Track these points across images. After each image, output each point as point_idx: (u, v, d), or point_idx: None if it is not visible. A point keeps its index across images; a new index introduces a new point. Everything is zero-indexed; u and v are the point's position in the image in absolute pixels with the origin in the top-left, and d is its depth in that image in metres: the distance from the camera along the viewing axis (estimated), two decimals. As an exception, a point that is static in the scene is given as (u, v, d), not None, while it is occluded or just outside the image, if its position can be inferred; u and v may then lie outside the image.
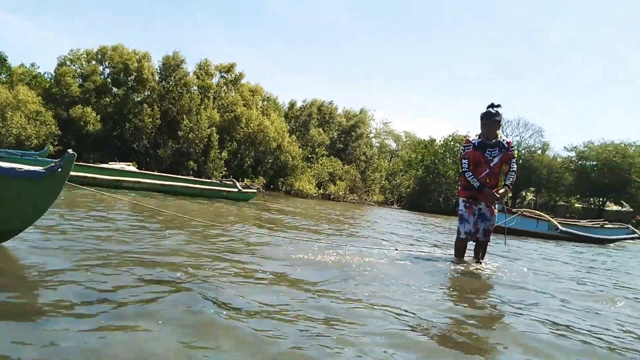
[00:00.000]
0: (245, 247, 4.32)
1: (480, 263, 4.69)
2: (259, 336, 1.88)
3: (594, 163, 40.97)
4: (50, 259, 2.84)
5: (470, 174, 4.59)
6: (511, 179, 4.63)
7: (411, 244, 6.43)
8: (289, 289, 2.77)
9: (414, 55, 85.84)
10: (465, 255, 4.82)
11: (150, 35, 65.71)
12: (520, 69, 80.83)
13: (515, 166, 4.68)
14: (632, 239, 14.44)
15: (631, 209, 40.91)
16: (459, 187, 4.85)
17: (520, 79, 79.42)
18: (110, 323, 1.84)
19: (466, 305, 2.91)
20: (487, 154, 4.57)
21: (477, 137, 4.70)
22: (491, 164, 4.57)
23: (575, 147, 42.72)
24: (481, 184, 4.55)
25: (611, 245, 13.18)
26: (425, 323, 2.37)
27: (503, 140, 4.65)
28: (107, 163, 13.96)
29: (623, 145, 40.62)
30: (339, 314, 2.33)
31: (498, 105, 4.59)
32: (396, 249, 5.12)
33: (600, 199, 42.08)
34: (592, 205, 42.25)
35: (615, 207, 42.43)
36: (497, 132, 4.64)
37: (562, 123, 74.51)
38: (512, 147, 4.68)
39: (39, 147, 18.47)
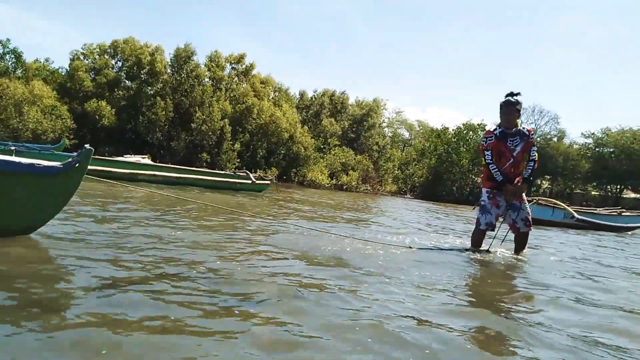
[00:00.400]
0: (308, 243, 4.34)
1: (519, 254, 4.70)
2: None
3: (612, 150, 40.26)
4: (71, 250, 2.89)
5: (495, 166, 4.54)
6: (530, 171, 4.57)
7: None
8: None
9: (425, 44, 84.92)
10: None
11: (161, 28, 66.13)
12: (534, 54, 79.43)
13: (535, 154, 4.62)
14: (651, 227, 14.18)
15: (650, 196, 40.21)
16: (482, 177, 4.80)
17: (535, 65, 78.08)
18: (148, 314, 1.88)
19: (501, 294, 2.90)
20: (510, 143, 4.52)
21: (498, 126, 4.64)
22: (514, 154, 4.52)
23: (592, 134, 42.00)
24: (504, 178, 4.51)
25: (629, 233, 12.96)
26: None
27: (524, 128, 4.59)
28: (122, 156, 14.12)
29: (642, 131, 39.83)
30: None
31: (517, 94, 4.52)
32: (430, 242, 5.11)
33: (618, 187, 41.40)
34: (610, 193, 41.58)
35: (633, 195, 41.68)
36: (517, 120, 4.56)
37: (578, 110, 73.23)
38: (532, 134, 4.63)
39: (55, 140, 18.73)
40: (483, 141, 4.64)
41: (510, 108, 4.49)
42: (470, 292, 3.09)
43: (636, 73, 73.55)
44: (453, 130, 32.36)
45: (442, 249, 4.78)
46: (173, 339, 1.71)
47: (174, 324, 1.83)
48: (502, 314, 2.51)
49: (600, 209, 15.87)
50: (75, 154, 3.10)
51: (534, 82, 74.58)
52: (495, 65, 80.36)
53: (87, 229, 3.67)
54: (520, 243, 4.78)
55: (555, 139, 44.85)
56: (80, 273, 2.43)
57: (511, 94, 4.52)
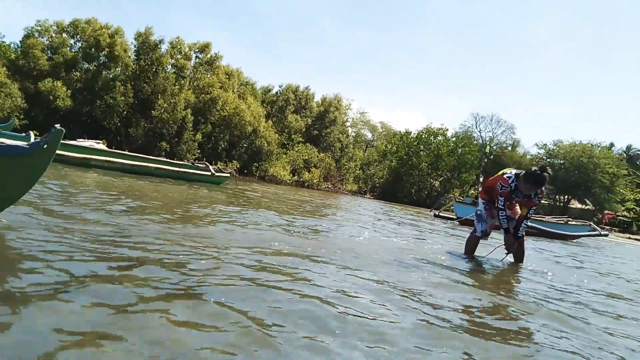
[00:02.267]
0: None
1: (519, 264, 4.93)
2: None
3: (562, 162, 42.27)
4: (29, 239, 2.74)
5: (504, 214, 4.68)
6: (522, 232, 4.76)
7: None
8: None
9: (393, 47, 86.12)
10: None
11: (127, 14, 63.49)
12: (496, 66, 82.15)
13: (532, 212, 4.77)
14: (593, 236, 15.00)
15: (593, 208, 42.51)
16: (480, 189, 4.97)
17: (496, 76, 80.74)
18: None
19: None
20: (518, 198, 4.66)
21: (513, 175, 4.61)
22: (513, 201, 4.76)
23: (545, 145, 43.96)
24: (507, 228, 4.71)
25: (574, 241, 13.64)
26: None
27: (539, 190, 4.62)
28: (75, 140, 13.53)
29: (590, 145, 42.03)
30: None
31: (546, 169, 4.44)
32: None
33: (566, 197, 43.50)
34: (558, 203, 43.64)
35: (579, 205, 43.96)
36: None
37: (535, 121, 76.32)
38: (540, 196, 4.64)
39: (3, 120, 17.71)
40: (499, 187, 4.66)
41: (537, 187, 4.46)
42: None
43: (591, 88, 77.48)
44: (415, 134, 33.03)
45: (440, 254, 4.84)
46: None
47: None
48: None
49: (549, 217, 16.65)
50: (44, 135, 2.85)
51: (494, 92, 77.12)
52: (458, 72, 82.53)
53: (35, 215, 3.48)
54: (518, 253, 4.97)
55: (509, 148, 46.62)
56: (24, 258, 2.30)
57: (543, 169, 4.40)
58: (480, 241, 5.07)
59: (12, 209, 3.28)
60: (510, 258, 5.03)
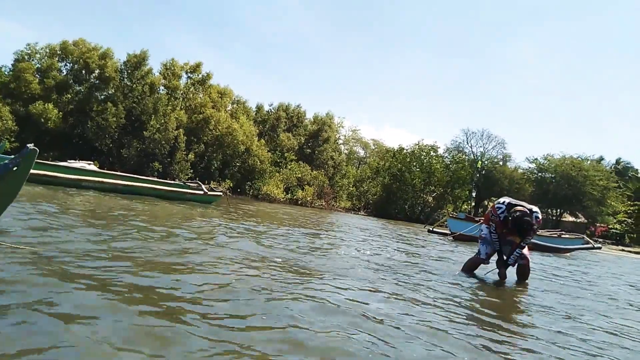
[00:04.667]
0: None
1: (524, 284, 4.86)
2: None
3: (553, 175, 42.58)
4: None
5: (496, 236, 4.79)
6: (513, 260, 4.74)
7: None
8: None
9: (383, 66, 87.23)
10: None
11: (114, 33, 63.95)
12: (485, 81, 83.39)
13: (525, 243, 4.69)
14: (587, 249, 15.04)
15: (585, 220, 42.74)
16: (484, 216, 5.03)
17: (485, 91, 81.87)
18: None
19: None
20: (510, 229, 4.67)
21: (504, 206, 4.69)
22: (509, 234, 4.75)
23: (535, 159, 44.31)
24: (499, 244, 4.82)
25: (567, 254, 13.65)
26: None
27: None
28: (66, 161, 13.44)
29: (580, 159, 42.47)
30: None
31: (537, 213, 4.56)
32: None
33: (558, 210, 43.70)
34: (551, 216, 43.83)
35: (571, 218, 44.16)
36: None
37: (525, 135, 77.15)
38: (536, 227, 4.60)
39: (-7, 143, 17.59)
40: (491, 214, 4.84)
41: (522, 233, 4.50)
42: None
43: (579, 102, 78.68)
44: (407, 150, 33.18)
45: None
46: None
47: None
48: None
49: (542, 231, 16.70)
50: (15, 155, 2.68)
51: (483, 108, 78.06)
52: (448, 90, 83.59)
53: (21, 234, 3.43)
54: (521, 274, 4.94)
55: (501, 162, 46.95)
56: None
57: (529, 214, 4.45)
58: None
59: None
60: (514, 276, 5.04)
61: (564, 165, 41.76)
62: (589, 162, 42.67)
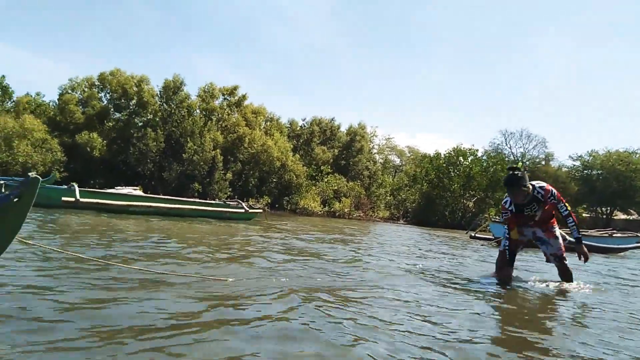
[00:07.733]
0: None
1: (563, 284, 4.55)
2: None
3: (599, 172, 40.85)
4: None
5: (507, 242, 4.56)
6: (574, 229, 4.38)
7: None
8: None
9: (412, 72, 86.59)
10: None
11: (148, 62, 66.45)
12: (520, 80, 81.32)
13: (565, 209, 4.36)
14: (642, 247, 14.22)
15: (639, 217, 40.62)
16: (504, 217, 4.60)
17: (522, 90, 79.79)
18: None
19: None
20: (527, 211, 4.41)
21: (508, 197, 4.45)
22: (536, 218, 4.45)
23: (580, 157, 42.68)
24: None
25: (620, 254, 12.97)
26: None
27: (537, 193, 4.35)
28: (113, 188, 14.03)
29: (627, 152, 40.58)
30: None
31: (516, 169, 4.28)
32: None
33: (608, 208, 41.81)
34: (600, 215, 41.95)
35: (623, 216, 42.10)
36: (527, 189, 4.27)
37: (566, 132, 74.53)
38: (549, 195, 4.34)
39: (45, 174, 18.58)
40: (502, 214, 4.60)
41: (513, 189, 4.26)
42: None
43: (618, 96, 75.41)
44: (444, 155, 32.65)
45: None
46: None
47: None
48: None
49: (592, 230, 15.98)
50: (16, 185, 2.39)
51: (521, 107, 76.04)
52: (482, 91, 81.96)
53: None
54: (562, 274, 4.65)
55: (543, 162, 45.50)
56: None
57: (512, 169, 4.29)
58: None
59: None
60: (556, 277, 4.77)
61: (610, 160, 40.01)
62: (637, 155, 40.68)
